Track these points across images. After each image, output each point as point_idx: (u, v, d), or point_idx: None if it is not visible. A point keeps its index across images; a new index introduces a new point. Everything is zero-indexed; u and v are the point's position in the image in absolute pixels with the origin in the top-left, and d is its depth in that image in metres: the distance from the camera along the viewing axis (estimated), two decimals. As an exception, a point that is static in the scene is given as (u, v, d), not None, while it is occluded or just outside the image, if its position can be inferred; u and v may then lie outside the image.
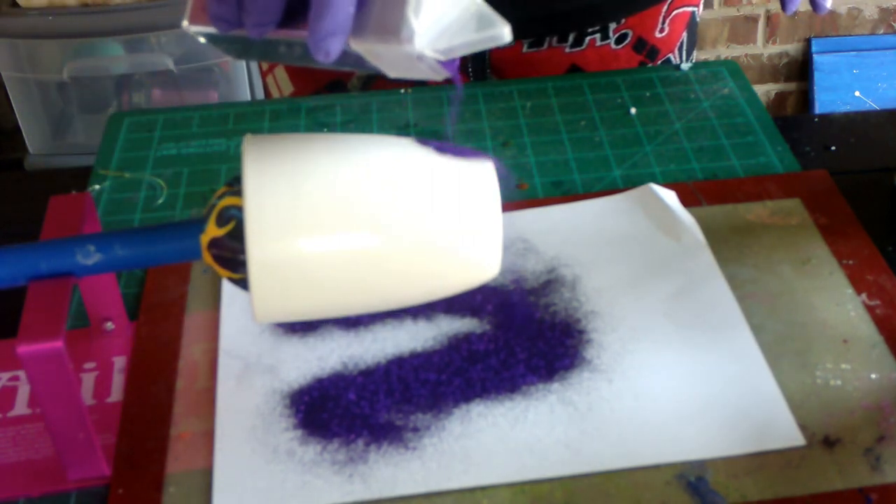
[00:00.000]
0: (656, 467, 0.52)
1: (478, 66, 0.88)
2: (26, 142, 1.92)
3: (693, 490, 0.51)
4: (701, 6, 0.94)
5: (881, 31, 2.14)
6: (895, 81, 2.12)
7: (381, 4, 0.46)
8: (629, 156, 0.76)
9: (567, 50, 0.87)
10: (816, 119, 0.80)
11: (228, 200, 0.48)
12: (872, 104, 2.09)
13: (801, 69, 2.16)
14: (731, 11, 2.07)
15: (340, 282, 0.48)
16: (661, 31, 0.89)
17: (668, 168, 0.74)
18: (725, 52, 2.12)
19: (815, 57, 2.11)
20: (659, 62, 0.91)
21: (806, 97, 2.19)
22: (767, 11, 2.08)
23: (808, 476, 0.52)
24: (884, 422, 0.54)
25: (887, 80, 2.11)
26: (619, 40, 0.87)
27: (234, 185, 0.49)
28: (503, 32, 0.48)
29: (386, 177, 0.48)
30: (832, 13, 2.10)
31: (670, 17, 0.90)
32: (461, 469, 0.53)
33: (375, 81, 0.89)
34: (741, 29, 2.10)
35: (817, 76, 2.12)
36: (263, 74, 0.99)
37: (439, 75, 0.48)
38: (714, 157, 0.75)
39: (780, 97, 2.21)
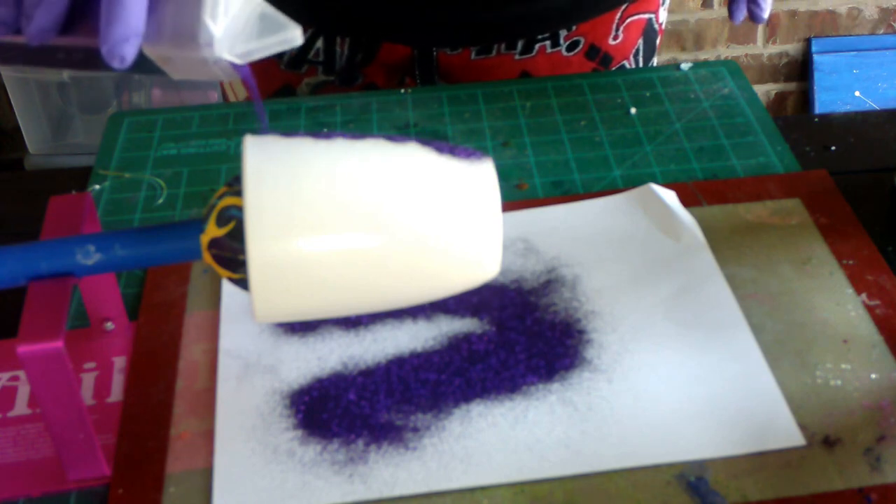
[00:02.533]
0: (656, 467, 0.52)
1: (425, 72, 0.88)
2: (26, 142, 1.92)
3: (693, 490, 0.51)
4: (660, 13, 0.93)
5: (881, 31, 2.14)
6: (895, 81, 2.12)
7: (174, 9, 0.46)
8: (629, 156, 0.76)
9: (517, 57, 0.87)
10: (816, 119, 0.80)
11: (228, 200, 0.48)
12: (872, 104, 2.09)
13: (801, 69, 2.16)
14: (732, 11, 2.07)
15: (340, 282, 0.48)
16: (615, 38, 0.89)
17: (668, 168, 0.74)
18: (725, 52, 2.12)
19: (815, 57, 2.11)
20: (614, 69, 0.90)
21: (806, 97, 2.19)
22: (767, 11, 2.08)
23: (808, 476, 0.52)
24: (884, 422, 0.54)
25: (887, 80, 2.11)
26: (570, 47, 0.87)
27: (235, 185, 0.49)
28: (294, 35, 0.48)
29: (386, 177, 0.48)
30: (832, 13, 2.10)
31: (624, 24, 0.89)
32: (461, 469, 0.53)
33: (325, 87, 0.89)
34: (741, 29, 2.10)
35: (817, 76, 2.12)
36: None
37: (230, 78, 0.48)
38: (714, 157, 0.75)
39: (780, 97, 2.21)
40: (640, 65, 0.93)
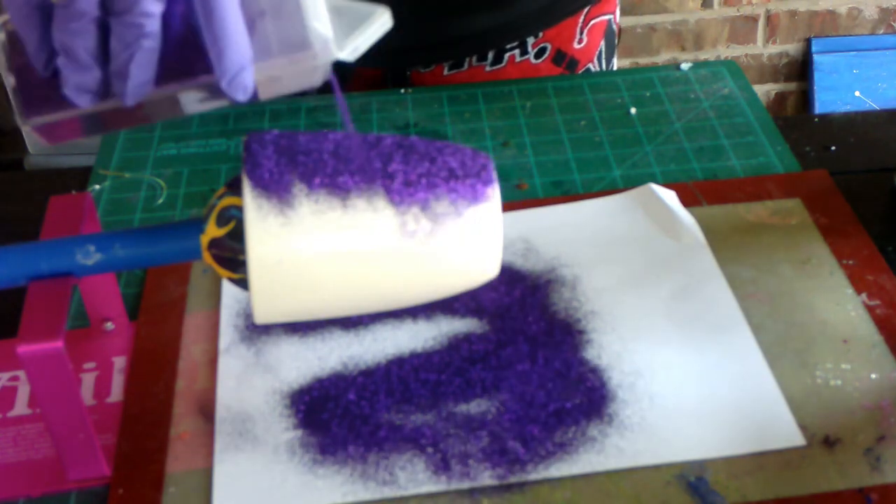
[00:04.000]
0: (656, 467, 0.52)
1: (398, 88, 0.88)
2: (26, 142, 1.92)
3: (693, 490, 0.51)
4: (617, 14, 0.95)
5: (881, 31, 2.14)
6: (895, 81, 2.12)
7: (275, 24, 0.45)
8: (629, 156, 0.76)
9: (487, 68, 0.88)
10: (816, 119, 0.80)
11: (228, 200, 0.48)
12: (872, 104, 2.09)
13: (801, 69, 2.16)
14: (731, 11, 2.07)
15: (340, 283, 0.48)
16: (580, 41, 0.90)
17: (668, 168, 0.74)
18: (725, 52, 2.12)
19: (815, 57, 2.11)
20: (580, 73, 0.91)
21: (806, 97, 2.19)
22: (767, 11, 2.08)
23: (808, 476, 0.52)
24: (884, 422, 0.54)
25: (887, 80, 2.11)
26: (538, 54, 0.88)
27: (234, 185, 0.49)
28: (385, 17, 0.47)
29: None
30: (832, 13, 2.10)
31: (587, 27, 0.90)
32: (460, 469, 0.53)
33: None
34: (741, 29, 2.10)
35: (817, 76, 2.12)
36: None
37: (316, 84, 0.47)
38: (714, 157, 0.75)
39: (780, 97, 2.21)
40: (603, 66, 0.95)
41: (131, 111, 0.46)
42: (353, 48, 0.46)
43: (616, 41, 0.97)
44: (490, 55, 0.88)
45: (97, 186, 0.75)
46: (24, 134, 1.90)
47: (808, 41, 2.13)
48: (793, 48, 2.14)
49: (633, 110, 0.80)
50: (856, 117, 0.80)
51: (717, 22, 2.09)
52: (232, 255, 0.48)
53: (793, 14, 2.09)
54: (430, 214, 0.47)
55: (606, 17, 0.92)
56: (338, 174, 0.47)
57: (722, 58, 2.09)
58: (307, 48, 0.45)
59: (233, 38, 0.43)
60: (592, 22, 0.90)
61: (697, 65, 0.85)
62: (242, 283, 0.49)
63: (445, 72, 0.88)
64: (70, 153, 1.91)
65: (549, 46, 0.88)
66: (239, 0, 0.44)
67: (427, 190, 0.47)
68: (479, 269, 0.49)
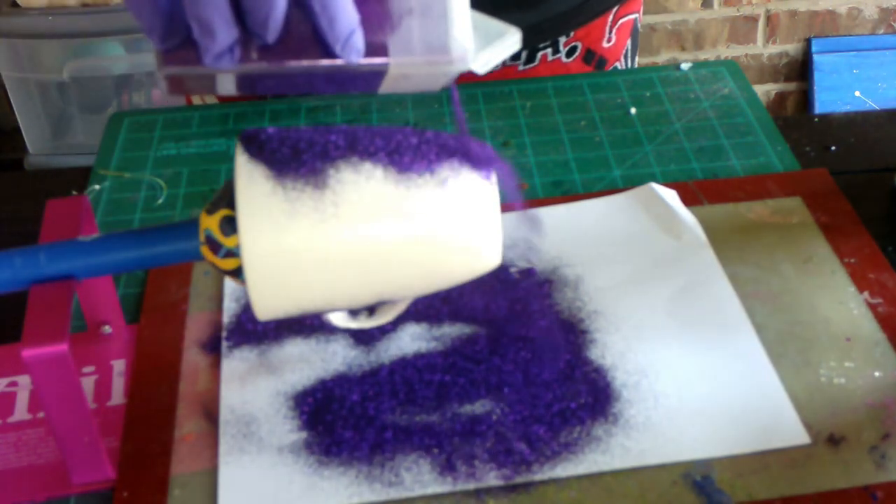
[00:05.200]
0: (662, 467, 0.52)
1: None
2: (26, 142, 1.92)
3: (699, 489, 0.51)
4: (642, 12, 0.96)
5: (881, 31, 2.14)
6: (895, 81, 2.12)
7: (421, 26, 0.47)
8: (629, 156, 0.76)
9: (521, 68, 0.88)
10: (816, 119, 0.80)
11: (224, 213, 0.48)
12: (872, 104, 2.09)
13: (801, 69, 2.16)
14: (731, 11, 2.07)
15: (338, 274, 0.48)
16: (609, 40, 0.90)
17: (668, 168, 0.74)
18: (725, 52, 2.12)
19: (815, 57, 2.12)
20: (613, 70, 0.92)
21: (806, 97, 2.19)
22: (767, 11, 2.08)
23: (813, 474, 0.52)
24: (888, 419, 0.54)
25: (887, 80, 2.11)
26: (569, 53, 0.88)
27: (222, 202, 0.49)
28: (516, 38, 0.50)
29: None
30: (832, 13, 2.11)
31: (616, 26, 0.91)
32: (466, 470, 0.53)
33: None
34: (741, 29, 2.10)
35: (817, 76, 2.12)
36: None
37: (435, 89, 0.50)
38: (714, 157, 0.75)
39: (780, 97, 2.21)
40: (628, 64, 0.95)
41: (268, 74, 0.48)
42: (485, 62, 0.49)
43: (638, 39, 0.98)
44: (523, 54, 0.88)
45: (97, 186, 0.75)
46: (24, 133, 1.90)
47: (808, 41, 2.13)
48: (793, 48, 2.14)
49: (633, 110, 0.80)
50: (856, 117, 0.80)
51: (717, 22, 2.09)
52: (227, 249, 0.48)
53: (793, 14, 2.10)
54: (435, 178, 0.48)
55: (633, 16, 0.93)
56: (333, 150, 0.47)
57: (722, 58, 2.09)
58: (447, 54, 0.47)
59: (340, 4, 0.46)
60: (621, 21, 0.91)
61: (697, 65, 0.85)
62: (238, 274, 0.49)
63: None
64: (70, 153, 1.91)
65: (579, 45, 0.89)
66: None
67: (431, 160, 0.48)
68: (480, 259, 0.49)
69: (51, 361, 0.47)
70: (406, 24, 0.47)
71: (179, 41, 0.46)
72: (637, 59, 0.99)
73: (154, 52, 0.47)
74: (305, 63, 0.47)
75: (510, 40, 0.50)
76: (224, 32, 0.45)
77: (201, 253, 0.50)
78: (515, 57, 0.88)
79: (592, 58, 0.90)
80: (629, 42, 0.94)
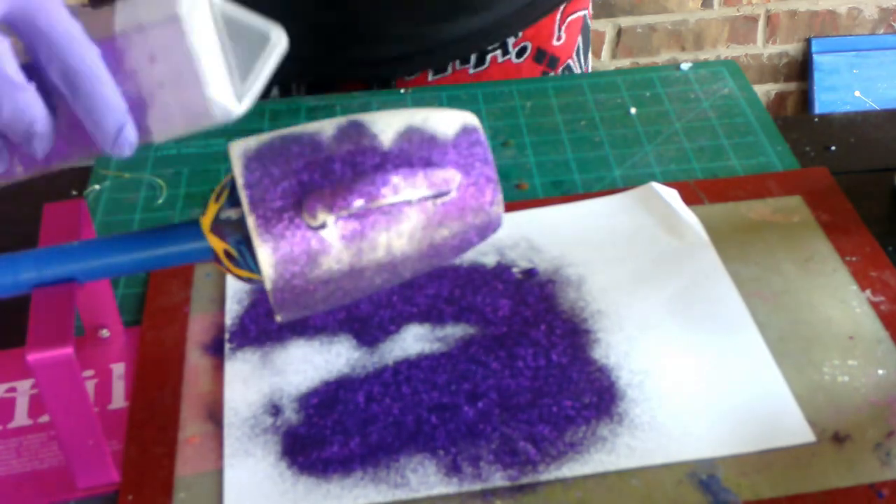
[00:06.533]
0: (667, 466, 0.53)
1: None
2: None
3: (705, 488, 0.51)
4: (590, 9, 0.96)
5: (881, 31, 2.14)
6: (895, 81, 2.12)
7: (173, 96, 0.46)
8: (629, 156, 0.76)
9: (471, 71, 0.89)
10: (816, 119, 0.80)
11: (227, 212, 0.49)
12: (872, 104, 2.09)
13: (801, 69, 2.16)
14: (731, 11, 2.07)
15: (366, 277, 0.48)
16: (559, 38, 0.91)
17: (668, 168, 0.74)
18: (725, 52, 2.12)
19: (815, 57, 2.12)
20: (560, 69, 0.92)
21: (806, 97, 2.19)
22: (767, 11, 2.08)
23: (818, 472, 0.52)
24: (892, 417, 0.54)
25: (887, 80, 2.11)
26: (519, 54, 0.89)
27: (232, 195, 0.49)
28: (278, 40, 0.47)
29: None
30: (832, 13, 2.11)
31: (565, 24, 0.91)
32: (472, 471, 0.53)
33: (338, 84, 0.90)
34: (741, 29, 2.10)
35: (817, 76, 2.12)
36: None
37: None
38: (714, 156, 0.75)
39: (780, 97, 2.21)
40: (582, 62, 0.95)
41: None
42: (250, 96, 0.47)
43: (590, 35, 0.98)
44: (473, 57, 0.88)
45: (97, 186, 0.75)
46: None
47: (808, 41, 2.13)
48: (793, 48, 2.14)
49: (633, 110, 0.80)
50: (856, 117, 0.80)
51: (717, 22, 2.09)
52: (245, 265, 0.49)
53: (793, 14, 2.10)
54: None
55: (581, 13, 0.93)
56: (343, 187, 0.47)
57: (722, 58, 2.09)
58: (209, 117, 0.46)
59: (103, 104, 0.45)
60: (569, 18, 0.91)
61: (697, 65, 0.85)
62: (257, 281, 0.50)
63: (430, 77, 0.88)
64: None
65: (529, 45, 0.89)
66: (112, 68, 0.45)
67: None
68: (485, 214, 0.50)
69: (55, 365, 0.47)
70: (160, 97, 0.46)
71: None
72: (591, 58, 1.00)
73: None
74: (74, 158, 0.47)
75: (274, 45, 0.47)
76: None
77: (216, 265, 0.50)
78: (464, 61, 0.88)
79: (543, 57, 0.90)
80: (580, 39, 0.94)
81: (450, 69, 0.88)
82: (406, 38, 0.85)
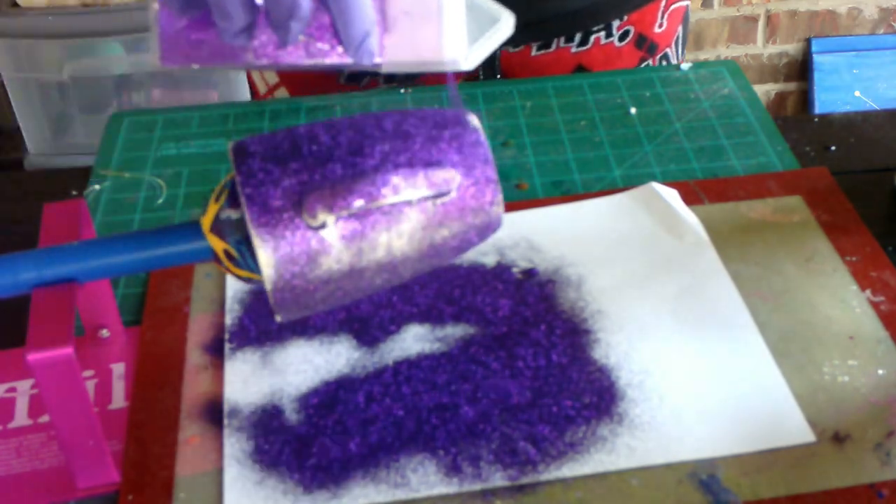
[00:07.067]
0: (668, 466, 0.53)
1: (488, 70, 0.88)
2: (26, 142, 1.92)
3: (706, 488, 0.51)
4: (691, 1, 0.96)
5: (881, 31, 2.14)
6: (895, 81, 2.12)
7: (411, 27, 0.49)
8: (629, 156, 0.76)
9: (573, 50, 0.88)
10: (816, 119, 0.80)
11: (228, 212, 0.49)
12: (872, 104, 2.09)
13: (801, 69, 2.16)
14: (731, 11, 2.07)
15: (366, 277, 0.48)
16: (660, 26, 0.91)
17: (668, 168, 0.74)
18: (725, 52, 2.12)
19: (815, 57, 2.12)
20: (658, 57, 0.92)
21: (806, 97, 2.19)
22: (767, 11, 2.08)
23: (818, 472, 0.52)
24: (893, 417, 0.54)
25: (887, 80, 2.11)
26: (621, 37, 0.89)
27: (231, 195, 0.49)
28: (508, 22, 0.51)
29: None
30: (832, 13, 2.11)
31: (668, 11, 0.91)
32: (472, 471, 0.53)
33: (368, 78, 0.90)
34: (741, 29, 2.10)
35: (817, 76, 2.12)
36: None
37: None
38: (714, 156, 0.75)
39: (780, 97, 2.21)
40: (679, 52, 0.96)
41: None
42: (474, 59, 0.50)
43: (688, 27, 0.99)
44: (577, 37, 0.88)
45: (96, 186, 0.75)
46: (24, 133, 1.90)
47: (808, 41, 2.13)
48: (793, 48, 2.14)
49: (633, 110, 0.80)
50: (856, 117, 0.80)
51: (717, 22, 2.09)
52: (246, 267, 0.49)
53: (793, 14, 2.10)
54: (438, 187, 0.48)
55: (685, 3, 0.94)
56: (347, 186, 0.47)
57: (722, 58, 2.09)
58: (437, 62, 0.50)
59: (356, 8, 0.48)
60: (673, 6, 0.91)
61: (697, 65, 0.85)
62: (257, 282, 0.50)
63: (533, 52, 0.88)
64: (70, 153, 1.91)
65: (632, 30, 0.89)
66: None
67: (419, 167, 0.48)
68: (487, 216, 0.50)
69: (56, 365, 0.47)
70: (401, 25, 0.49)
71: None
72: (693, 51, 1.00)
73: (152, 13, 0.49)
74: (311, 62, 0.49)
75: (503, 27, 0.51)
76: (239, 17, 0.48)
77: (217, 265, 0.50)
78: (569, 39, 0.88)
79: (644, 42, 0.91)
80: (680, 29, 0.95)
81: (553, 45, 0.88)
82: (517, 7, 0.84)
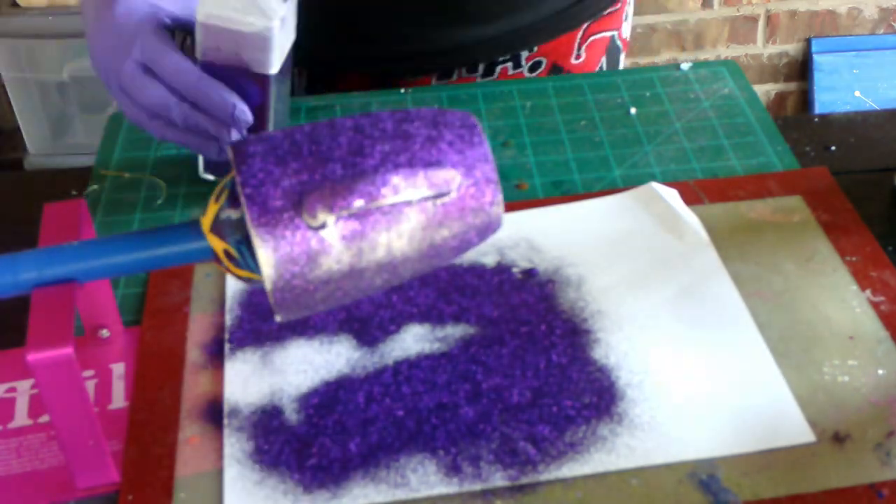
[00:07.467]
0: (667, 466, 0.53)
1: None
2: (26, 142, 1.92)
3: (706, 488, 0.51)
4: (624, 29, 0.93)
5: (881, 31, 2.14)
6: (895, 81, 2.12)
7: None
8: (629, 156, 0.76)
9: (478, 80, 0.87)
10: (816, 119, 0.80)
11: (229, 212, 0.49)
12: (872, 104, 2.09)
13: (801, 69, 2.16)
14: (731, 11, 2.07)
15: (366, 278, 0.48)
16: (578, 57, 0.89)
17: (668, 168, 0.74)
18: (725, 52, 2.12)
19: (815, 57, 2.12)
20: (613, 70, 0.90)
21: (806, 97, 2.19)
22: (767, 11, 2.08)
23: (818, 472, 0.52)
24: (892, 417, 0.54)
25: (887, 80, 2.11)
26: (532, 68, 0.87)
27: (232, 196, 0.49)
28: (254, 21, 0.62)
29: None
30: (832, 13, 2.10)
31: (586, 43, 0.89)
32: (472, 471, 0.53)
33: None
34: (741, 29, 2.10)
35: (817, 76, 2.12)
36: None
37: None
38: (714, 156, 0.75)
39: (780, 97, 2.21)
40: None
41: None
42: (208, 14, 0.62)
43: (621, 56, 0.95)
44: (481, 67, 0.87)
45: (96, 186, 0.75)
46: (24, 133, 1.91)
47: (808, 41, 2.13)
48: (793, 48, 2.14)
49: (633, 110, 0.80)
50: (856, 117, 0.80)
51: (717, 22, 2.09)
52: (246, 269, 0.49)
53: (793, 14, 2.10)
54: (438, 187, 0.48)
55: (609, 34, 0.91)
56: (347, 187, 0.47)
57: (722, 58, 2.09)
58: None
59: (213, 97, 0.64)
60: (592, 38, 0.89)
61: (697, 65, 0.85)
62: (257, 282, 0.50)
63: (433, 82, 0.88)
64: (70, 153, 1.91)
65: (544, 61, 0.88)
66: None
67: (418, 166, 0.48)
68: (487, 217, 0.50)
69: (56, 365, 0.47)
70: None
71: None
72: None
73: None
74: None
75: (253, 20, 0.62)
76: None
77: (217, 265, 0.50)
78: (472, 69, 0.87)
79: (559, 74, 0.88)
80: (604, 59, 0.92)
81: (455, 75, 0.88)
82: (413, 38, 0.84)
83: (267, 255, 0.47)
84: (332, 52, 0.85)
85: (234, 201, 0.48)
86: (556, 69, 0.88)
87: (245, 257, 0.48)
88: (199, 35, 0.63)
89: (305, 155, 0.48)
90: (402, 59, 0.86)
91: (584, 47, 0.89)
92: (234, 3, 0.61)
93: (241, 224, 0.48)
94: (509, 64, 0.87)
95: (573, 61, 0.89)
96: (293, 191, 0.47)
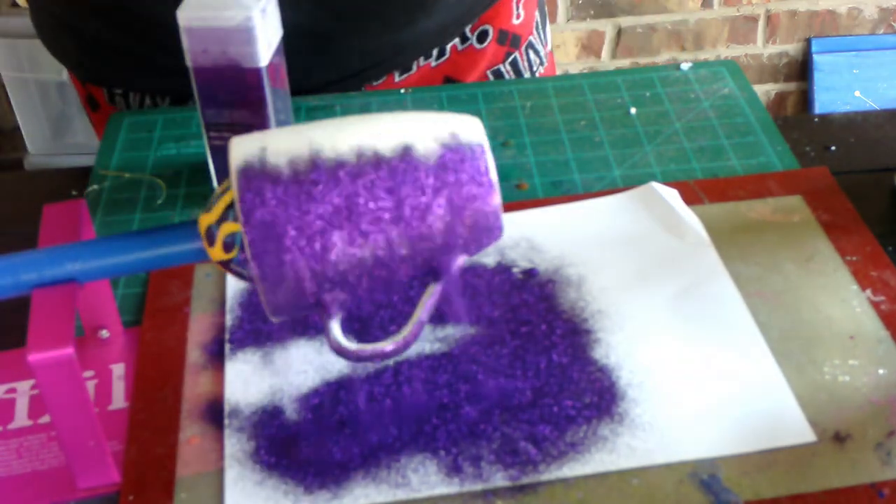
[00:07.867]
0: (668, 466, 0.53)
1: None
2: (26, 142, 1.92)
3: (707, 488, 0.51)
4: None
5: (881, 31, 2.14)
6: (895, 81, 2.12)
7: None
8: (629, 156, 0.76)
9: (434, 64, 0.88)
10: (816, 119, 0.80)
11: (230, 228, 0.48)
12: (872, 104, 2.10)
13: (801, 69, 2.17)
14: (731, 11, 2.08)
15: (349, 283, 0.48)
16: (518, 17, 0.91)
17: (668, 168, 0.74)
18: (725, 52, 2.13)
19: (815, 57, 2.12)
20: (524, 48, 0.92)
21: (806, 97, 2.19)
22: (767, 11, 2.09)
23: (819, 472, 0.52)
24: (893, 417, 0.54)
25: (887, 80, 2.12)
26: (480, 38, 0.88)
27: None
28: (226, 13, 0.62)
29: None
30: (832, 13, 2.11)
31: (521, 1, 0.91)
32: (473, 471, 0.53)
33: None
34: (741, 29, 2.10)
35: (817, 76, 2.12)
36: None
37: None
38: (714, 156, 0.75)
39: (780, 97, 2.21)
40: (543, 37, 0.95)
41: None
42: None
43: (545, 9, 0.98)
44: (434, 51, 0.88)
45: (96, 186, 0.75)
46: (24, 133, 1.91)
47: (808, 41, 2.13)
48: (793, 48, 2.15)
49: (633, 110, 0.80)
50: (856, 117, 0.80)
51: (717, 22, 2.09)
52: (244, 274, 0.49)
53: (793, 14, 2.10)
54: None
55: None
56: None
57: (722, 58, 2.09)
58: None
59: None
60: None
61: (697, 65, 0.85)
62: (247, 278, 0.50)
63: (396, 78, 0.89)
64: (70, 153, 1.91)
65: (490, 28, 0.89)
66: None
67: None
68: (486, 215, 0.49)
69: (56, 365, 0.47)
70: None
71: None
72: (549, 28, 0.99)
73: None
74: None
75: (228, 13, 0.62)
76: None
77: (209, 254, 0.50)
78: (427, 56, 0.88)
79: (506, 37, 0.90)
80: (537, 14, 0.94)
81: (414, 67, 0.88)
82: (371, 50, 0.85)
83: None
84: (294, 82, 0.85)
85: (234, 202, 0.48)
86: (502, 34, 0.90)
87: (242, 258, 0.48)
88: (185, 41, 0.63)
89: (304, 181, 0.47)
90: (363, 71, 0.87)
91: (521, 6, 0.91)
92: (212, 3, 0.62)
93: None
94: (457, 41, 0.89)
95: (514, 21, 0.91)
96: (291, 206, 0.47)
